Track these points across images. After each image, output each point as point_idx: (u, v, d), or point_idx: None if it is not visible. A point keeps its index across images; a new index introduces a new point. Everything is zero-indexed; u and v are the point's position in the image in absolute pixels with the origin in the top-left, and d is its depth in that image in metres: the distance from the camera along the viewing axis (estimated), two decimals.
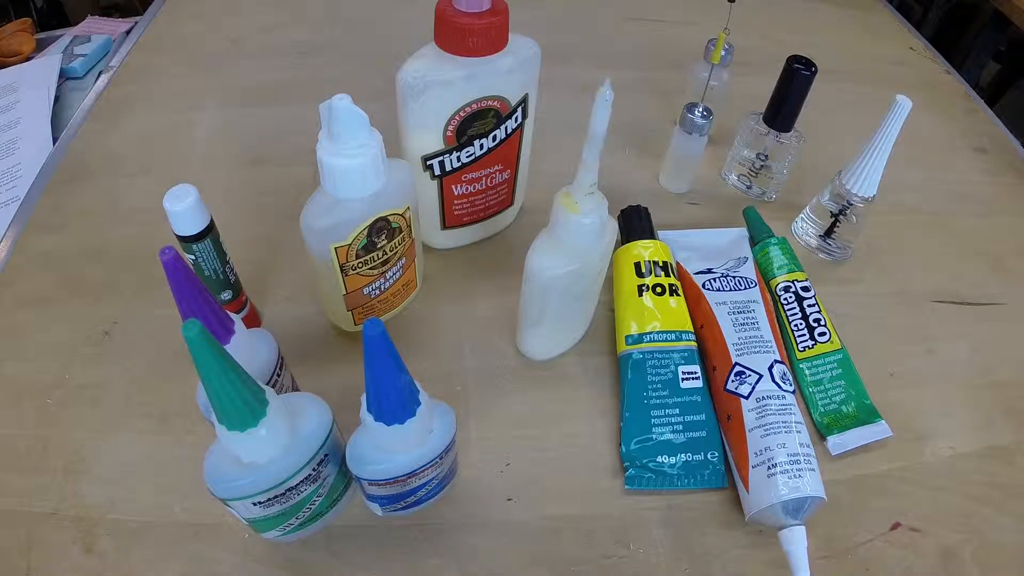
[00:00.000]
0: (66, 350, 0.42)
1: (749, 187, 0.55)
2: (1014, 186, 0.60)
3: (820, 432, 0.41)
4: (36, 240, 0.49)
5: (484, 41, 0.36)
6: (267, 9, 0.73)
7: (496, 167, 0.44)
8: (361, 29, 0.70)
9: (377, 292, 0.41)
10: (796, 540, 0.33)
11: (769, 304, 0.44)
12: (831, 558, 0.36)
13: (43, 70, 0.76)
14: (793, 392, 0.39)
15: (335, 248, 0.36)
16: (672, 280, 0.44)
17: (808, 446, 0.36)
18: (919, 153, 0.61)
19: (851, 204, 0.48)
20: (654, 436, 0.39)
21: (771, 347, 0.40)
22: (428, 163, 0.41)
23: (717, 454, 0.38)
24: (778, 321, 0.45)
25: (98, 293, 0.45)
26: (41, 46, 0.83)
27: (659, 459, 0.38)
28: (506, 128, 0.42)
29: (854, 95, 0.67)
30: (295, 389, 0.38)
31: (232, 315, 0.31)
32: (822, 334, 0.44)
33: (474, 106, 0.39)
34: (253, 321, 0.43)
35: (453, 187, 0.44)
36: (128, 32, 0.79)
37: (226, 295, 0.40)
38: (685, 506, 0.38)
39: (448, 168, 0.42)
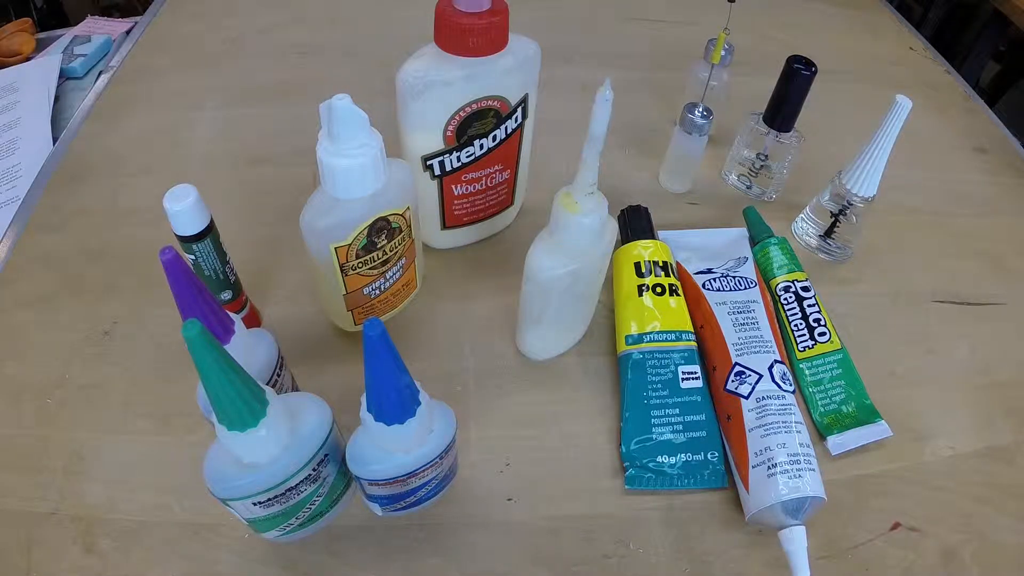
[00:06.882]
0: (66, 350, 0.42)
1: (749, 187, 0.55)
2: (1014, 186, 0.60)
3: (820, 432, 0.41)
4: (36, 240, 0.49)
5: (484, 41, 0.36)
6: (267, 9, 0.73)
7: (496, 167, 0.44)
8: (361, 29, 0.70)
9: (377, 292, 0.41)
10: (796, 540, 0.33)
11: (769, 304, 0.44)
12: (831, 558, 0.36)
13: (43, 70, 0.76)
14: (793, 392, 0.39)
15: (335, 248, 0.36)
16: (672, 280, 0.44)
17: (808, 446, 0.36)
18: (919, 153, 0.61)
19: (851, 204, 0.48)
20: (654, 436, 0.39)
21: (771, 347, 0.40)
22: (428, 163, 0.41)
23: (717, 454, 0.38)
24: (778, 321, 0.45)
25: (98, 293, 0.45)
26: (41, 46, 0.83)
27: (659, 459, 0.38)
28: (506, 128, 0.42)
29: (854, 95, 0.67)
30: (295, 389, 0.38)
31: (232, 315, 0.31)
32: (822, 334, 0.44)
33: (474, 106, 0.39)
34: (253, 321, 0.43)
35: (453, 187, 0.44)
36: (128, 32, 0.79)
37: (226, 295, 0.40)
38: (685, 506, 0.38)
39: (448, 168, 0.42)
